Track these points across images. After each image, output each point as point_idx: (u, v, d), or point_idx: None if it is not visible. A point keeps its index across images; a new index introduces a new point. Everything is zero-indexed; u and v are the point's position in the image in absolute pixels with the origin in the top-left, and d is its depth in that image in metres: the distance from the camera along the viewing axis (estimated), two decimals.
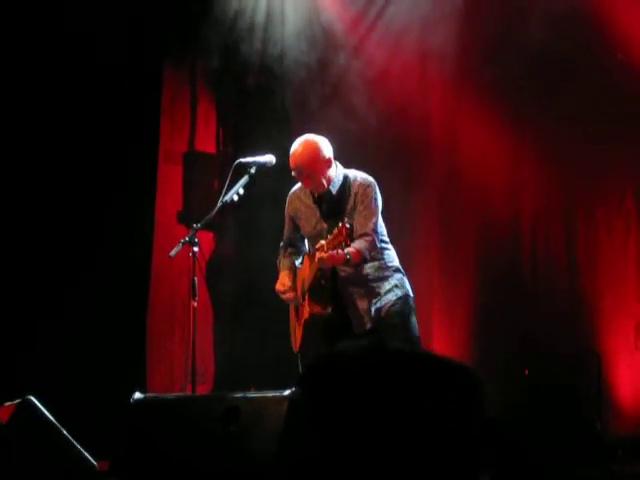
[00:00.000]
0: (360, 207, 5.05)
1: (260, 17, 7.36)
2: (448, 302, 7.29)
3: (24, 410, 4.91)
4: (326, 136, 5.17)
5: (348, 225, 4.63)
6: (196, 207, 7.01)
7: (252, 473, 3.66)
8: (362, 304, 5.11)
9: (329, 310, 5.11)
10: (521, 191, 7.19)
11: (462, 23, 6.98)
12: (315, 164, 5.06)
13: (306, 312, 5.15)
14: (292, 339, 5.39)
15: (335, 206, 5.12)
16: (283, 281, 5.30)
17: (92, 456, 5.07)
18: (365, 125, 6.97)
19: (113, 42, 6.80)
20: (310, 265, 5.11)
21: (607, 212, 6.90)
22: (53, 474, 4.92)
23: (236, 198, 5.24)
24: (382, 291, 5.11)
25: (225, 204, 5.25)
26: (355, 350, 1.54)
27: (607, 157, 6.74)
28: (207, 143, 7.66)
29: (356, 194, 5.08)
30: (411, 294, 5.19)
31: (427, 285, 7.00)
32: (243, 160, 5.35)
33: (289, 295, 5.26)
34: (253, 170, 5.30)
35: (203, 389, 6.76)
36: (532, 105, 6.93)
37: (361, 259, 4.95)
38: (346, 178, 5.14)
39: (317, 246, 4.79)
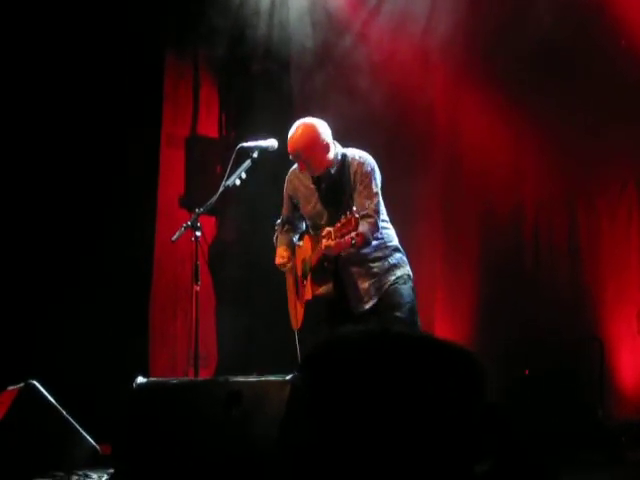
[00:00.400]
0: (360, 187, 5.02)
1: (265, 2, 7.34)
2: (450, 290, 7.28)
3: (27, 394, 4.93)
4: (328, 121, 5.14)
5: (357, 215, 4.60)
6: (198, 191, 6.99)
7: (254, 457, 3.67)
8: (362, 284, 5.10)
9: (331, 291, 5.10)
10: (523, 179, 7.17)
11: (466, 10, 6.95)
12: (313, 149, 5.04)
13: (308, 294, 5.14)
14: (292, 317, 5.39)
15: (334, 186, 5.10)
16: (282, 254, 5.29)
17: (95, 440, 5.09)
18: (368, 111, 6.94)
19: (116, 26, 6.78)
20: (312, 247, 5.10)
21: (609, 200, 6.88)
22: (56, 457, 4.94)
23: (238, 182, 5.23)
24: (381, 271, 5.09)
25: (227, 188, 5.24)
26: (356, 335, 1.54)
27: (609, 145, 6.71)
28: (209, 127, 7.64)
29: (355, 173, 5.05)
30: (410, 274, 5.16)
31: (429, 273, 6.98)
32: (245, 144, 5.34)
33: (289, 265, 5.28)
34: (255, 154, 5.28)
35: (205, 373, 6.77)
36: (534, 93, 6.90)
37: (365, 242, 4.93)
38: (344, 157, 5.11)
39: (324, 233, 4.75)
